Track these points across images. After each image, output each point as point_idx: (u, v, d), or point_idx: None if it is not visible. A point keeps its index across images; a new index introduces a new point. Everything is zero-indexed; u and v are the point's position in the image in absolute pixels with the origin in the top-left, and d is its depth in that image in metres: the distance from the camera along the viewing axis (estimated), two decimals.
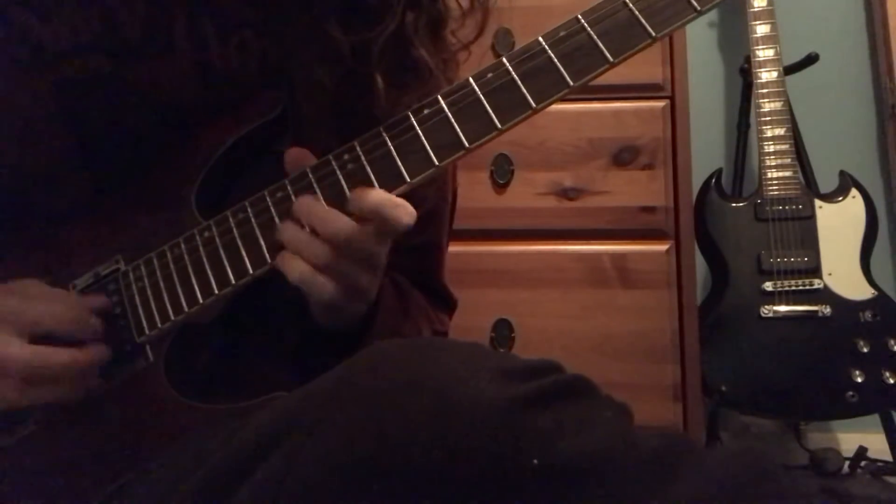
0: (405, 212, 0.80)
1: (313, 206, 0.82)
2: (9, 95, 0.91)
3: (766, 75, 2.16)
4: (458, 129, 0.80)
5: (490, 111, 0.79)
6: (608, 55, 0.77)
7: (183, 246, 0.86)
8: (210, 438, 0.74)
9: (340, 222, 0.81)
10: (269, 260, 0.83)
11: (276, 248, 0.83)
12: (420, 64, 0.93)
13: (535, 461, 0.58)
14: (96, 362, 0.84)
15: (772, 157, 2.14)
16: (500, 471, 0.58)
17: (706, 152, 2.41)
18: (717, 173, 2.22)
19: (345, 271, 0.82)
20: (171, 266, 0.86)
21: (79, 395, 0.84)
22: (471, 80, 0.81)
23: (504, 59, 0.80)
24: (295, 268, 0.82)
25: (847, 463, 2.14)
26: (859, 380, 1.99)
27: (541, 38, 0.80)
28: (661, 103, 1.92)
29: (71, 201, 0.92)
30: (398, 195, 0.82)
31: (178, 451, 0.78)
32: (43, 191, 0.93)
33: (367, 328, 0.92)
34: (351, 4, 0.92)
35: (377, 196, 0.80)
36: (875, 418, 2.05)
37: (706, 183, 2.21)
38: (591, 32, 0.78)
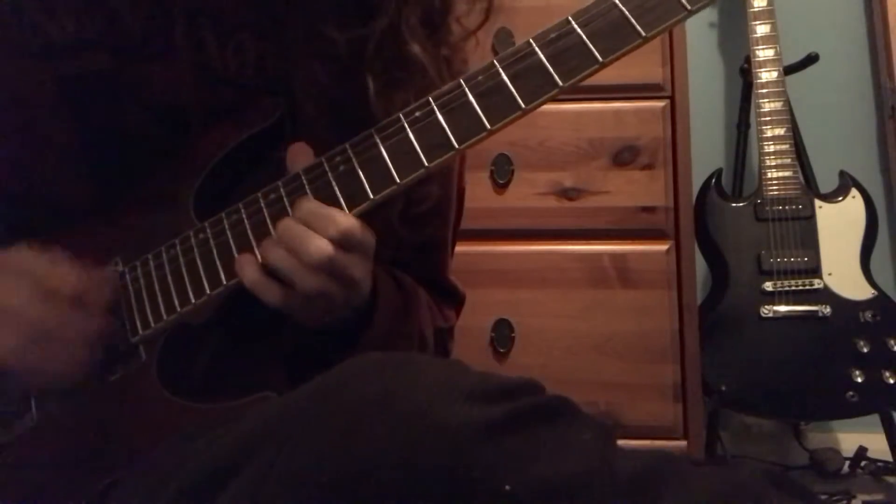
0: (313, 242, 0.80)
1: (291, 227, 0.82)
2: (14, 87, 0.92)
3: (766, 75, 2.15)
4: (448, 131, 0.80)
5: (479, 112, 0.80)
6: (598, 55, 0.77)
7: (178, 247, 0.87)
8: (196, 441, 0.74)
9: (316, 242, 0.80)
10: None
11: None
12: (413, 60, 0.93)
13: (507, 487, 0.58)
14: (103, 332, 0.86)
15: (772, 157, 2.13)
16: (471, 496, 0.58)
17: (706, 152, 2.40)
18: (717, 173, 2.22)
19: (314, 287, 0.82)
20: (166, 267, 0.87)
21: (77, 378, 0.85)
22: (462, 81, 0.81)
23: (494, 61, 0.81)
24: (249, 273, 0.82)
25: (847, 463, 2.14)
26: (859, 380, 1.99)
27: (531, 40, 0.80)
28: (661, 103, 1.92)
29: (71, 200, 0.93)
30: (388, 196, 0.82)
31: (167, 451, 0.79)
32: (44, 189, 0.94)
33: (364, 328, 0.92)
34: (347, 2, 0.93)
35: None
36: (875, 418, 2.05)
37: (706, 183, 2.20)
38: (581, 33, 0.78)
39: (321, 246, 0.79)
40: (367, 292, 0.89)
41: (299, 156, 0.86)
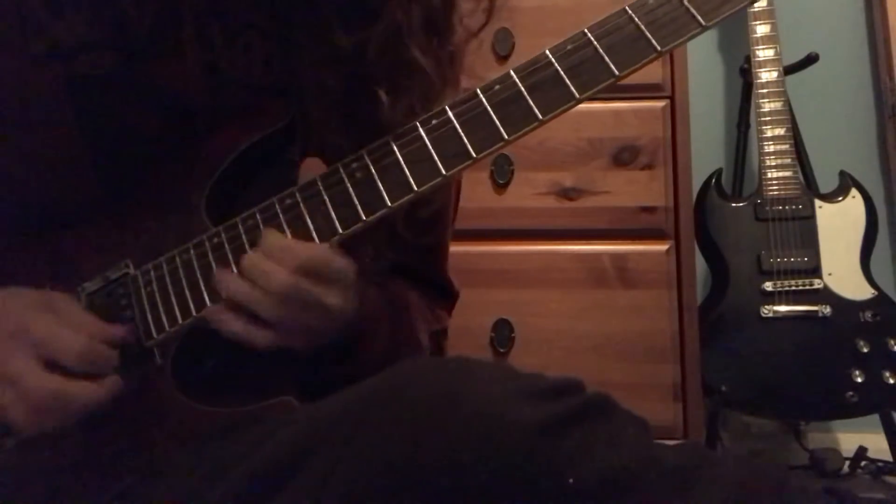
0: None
1: (257, 261, 0.82)
2: (22, 89, 0.91)
3: (766, 75, 2.16)
4: (466, 140, 0.81)
5: (497, 122, 0.80)
6: (614, 69, 0.78)
7: (192, 251, 0.87)
8: (229, 446, 0.75)
9: (280, 275, 0.80)
10: None
11: None
12: (415, 64, 0.93)
13: (571, 480, 0.60)
14: (113, 395, 0.83)
15: (772, 157, 2.14)
16: (538, 490, 0.61)
17: (706, 152, 2.40)
18: (717, 173, 2.23)
19: (288, 319, 0.82)
20: (181, 271, 0.87)
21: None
22: (478, 91, 0.82)
23: (511, 72, 0.81)
24: (230, 323, 0.82)
25: (847, 463, 2.15)
26: (859, 380, 2.00)
27: (548, 52, 0.81)
28: (661, 103, 1.93)
29: (79, 202, 0.93)
30: (405, 203, 0.83)
31: (192, 456, 0.79)
32: (51, 191, 0.93)
33: (361, 345, 0.92)
34: (353, 4, 0.93)
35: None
36: (875, 418, 2.06)
37: (706, 183, 2.21)
38: (598, 46, 0.79)
39: (282, 278, 0.80)
40: (352, 315, 0.88)
41: (314, 173, 0.86)
